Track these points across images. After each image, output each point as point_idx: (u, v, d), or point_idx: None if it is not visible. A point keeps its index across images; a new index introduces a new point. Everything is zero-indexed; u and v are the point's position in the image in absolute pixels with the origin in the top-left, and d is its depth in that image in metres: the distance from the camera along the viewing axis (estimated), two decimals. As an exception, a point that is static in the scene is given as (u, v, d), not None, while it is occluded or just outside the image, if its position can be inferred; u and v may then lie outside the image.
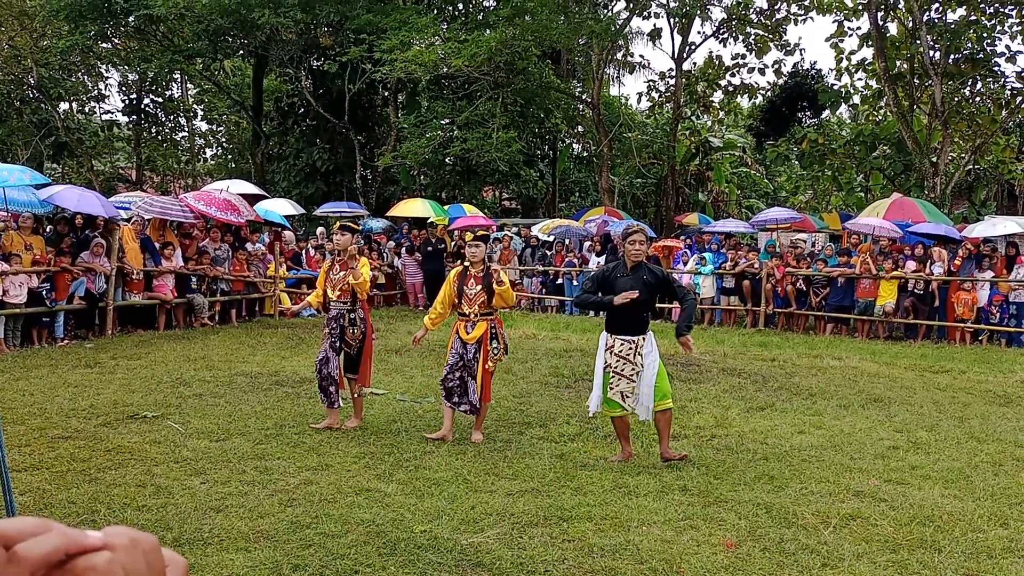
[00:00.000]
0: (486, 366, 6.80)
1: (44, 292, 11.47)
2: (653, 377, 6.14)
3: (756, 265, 15.91)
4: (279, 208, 18.58)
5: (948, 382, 10.18)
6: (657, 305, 17.79)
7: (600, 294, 6.27)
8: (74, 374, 9.23)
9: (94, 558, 0.55)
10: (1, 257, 10.95)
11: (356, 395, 7.30)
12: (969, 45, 21.31)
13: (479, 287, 6.78)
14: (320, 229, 20.49)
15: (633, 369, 6.15)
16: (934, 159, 21.19)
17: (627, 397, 6.17)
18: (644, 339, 6.20)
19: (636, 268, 6.20)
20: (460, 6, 28.15)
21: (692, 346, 6.39)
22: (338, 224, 7.41)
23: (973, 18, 21.09)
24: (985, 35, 21.16)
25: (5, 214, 12.58)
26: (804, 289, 15.58)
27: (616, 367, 6.17)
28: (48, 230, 12.89)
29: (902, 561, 4.42)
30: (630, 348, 6.16)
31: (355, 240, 7.31)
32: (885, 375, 10.53)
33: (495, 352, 6.82)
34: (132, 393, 8.29)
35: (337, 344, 7.17)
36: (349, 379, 7.26)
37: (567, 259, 18.19)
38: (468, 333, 6.83)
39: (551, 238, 19.33)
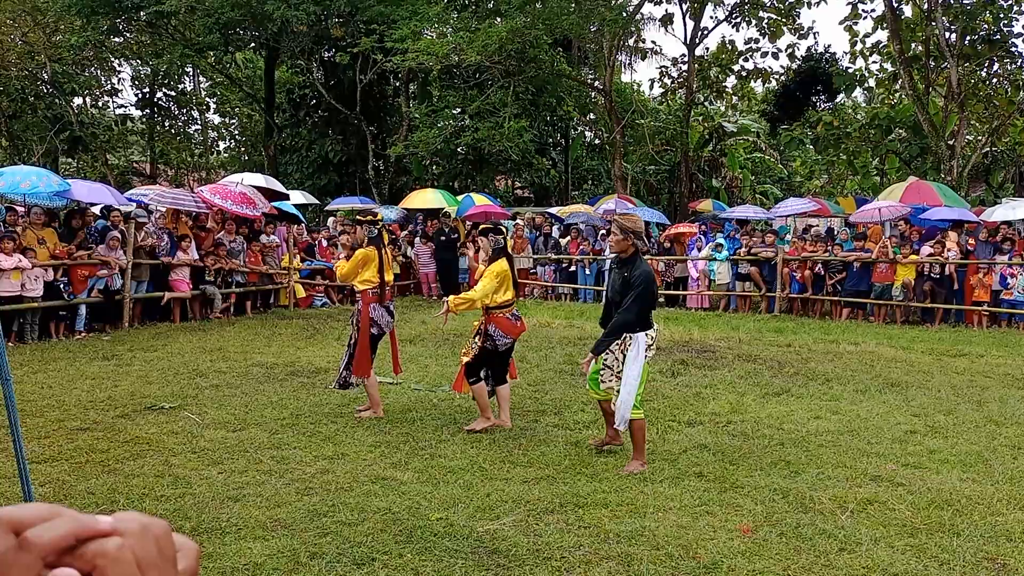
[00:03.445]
0: (461, 353, 6.83)
1: (62, 286, 11.55)
2: (634, 387, 5.66)
3: (774, 249, 15.83)
4: (291, 198, 18.64)
5: (966, 366, 10.10)
6: (668, 292, 17.31)
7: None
8: (92, 366, 9.30)
9: (105, 543, 0.55)
10: (17, 251, 11.02)
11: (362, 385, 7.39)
12: (985, 26, 21.05)
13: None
14: (331, 220, 20.53)
15: (619, 367, 5.80)
16: (951, 142, 20.96)
17: (616, 392, 5.79)
18: (630, 338, 5.75)
19: (624, 262, 5.85)
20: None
21: (586, 369, 5.96)
22: (349, 219, 7.48)
23: (989, -1, 20.83)
24: (1002, 16, 20.89)
25: (22, 209, 12.67)
26: (820, 274, 15.51)
27: (606, 360, 5.92)
28: (60, 225, 12.93)
29: (920, 545, 4.39)
30: (616, 342, 5.85)
31: (366, 231, 7.34)
32: (902, 359, 10.46)
33: (473, 344, 6.77)
34: (149, 384, 8.35)
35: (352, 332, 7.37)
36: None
37: (581, 247, 18.15)
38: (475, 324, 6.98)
39: (568, 219, 19.39)
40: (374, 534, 4.46)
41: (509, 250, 7.09)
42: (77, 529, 0.55)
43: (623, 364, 5.78)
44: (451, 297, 6.65)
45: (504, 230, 7.30)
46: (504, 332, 6.77)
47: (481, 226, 7.22)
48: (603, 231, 18.28)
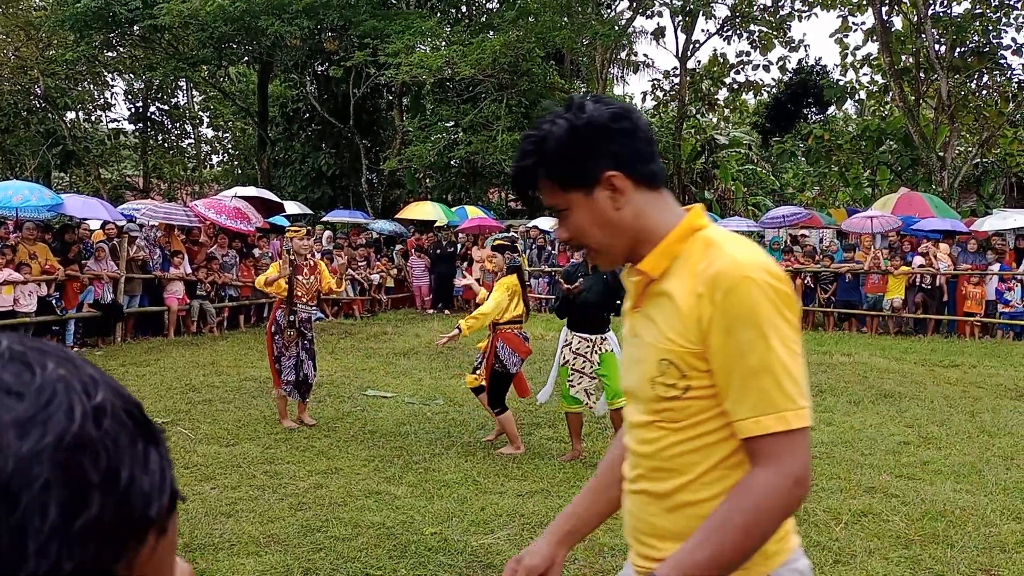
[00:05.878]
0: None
1: (54, 301, 11.51)
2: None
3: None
4: (286, 208, 18.65)
5: (959, 376, 10.13)
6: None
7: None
8: (84, 382, 9.25)
9: None
10: (10, 266, 10.99)
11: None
12: (975, 38, 21.23)
13: None
14: (327, 233, 20.51)
15: (593, 368, 6.14)
16: (941, 153, 21.08)
17: (590, 394, 6.22)
18: (604, 339, 6.14)
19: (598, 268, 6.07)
20: (464, 8, 28.17)
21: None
22: (298, 229, 7.63)
23: (979, 11, 21.00)
24: (991, 28, 21.08)
25: (12, 224, 12.63)
26: (812, 285, 15.55)
27: (575, 364, 6.15)
28: (53, 240, 12.88)
29: (914, 557, 4.40)
30: (588, 346, 6.12)
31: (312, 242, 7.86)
32: (895, 370, 10.48)
33: (479, 367, 6.58)
34: (142, 399, 8.23)
35: (308, 346, 7.37)
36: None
37: (572, 259, 18.16)
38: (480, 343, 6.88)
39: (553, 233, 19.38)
40: (368, 549, 4.44)
41: (523, 268, 6.97)
42: None
43: (597, 366, 6.17)
44: (463, 321, 6.31)
45: (519, 248, 7.21)
46: (513, 350, 6.43)
47: (496, 242, 6.94)
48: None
